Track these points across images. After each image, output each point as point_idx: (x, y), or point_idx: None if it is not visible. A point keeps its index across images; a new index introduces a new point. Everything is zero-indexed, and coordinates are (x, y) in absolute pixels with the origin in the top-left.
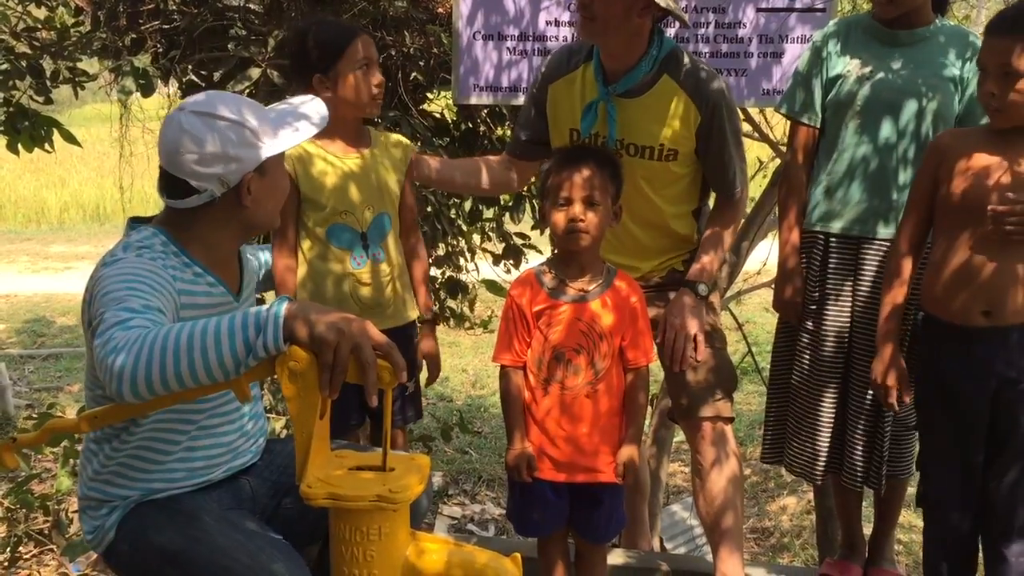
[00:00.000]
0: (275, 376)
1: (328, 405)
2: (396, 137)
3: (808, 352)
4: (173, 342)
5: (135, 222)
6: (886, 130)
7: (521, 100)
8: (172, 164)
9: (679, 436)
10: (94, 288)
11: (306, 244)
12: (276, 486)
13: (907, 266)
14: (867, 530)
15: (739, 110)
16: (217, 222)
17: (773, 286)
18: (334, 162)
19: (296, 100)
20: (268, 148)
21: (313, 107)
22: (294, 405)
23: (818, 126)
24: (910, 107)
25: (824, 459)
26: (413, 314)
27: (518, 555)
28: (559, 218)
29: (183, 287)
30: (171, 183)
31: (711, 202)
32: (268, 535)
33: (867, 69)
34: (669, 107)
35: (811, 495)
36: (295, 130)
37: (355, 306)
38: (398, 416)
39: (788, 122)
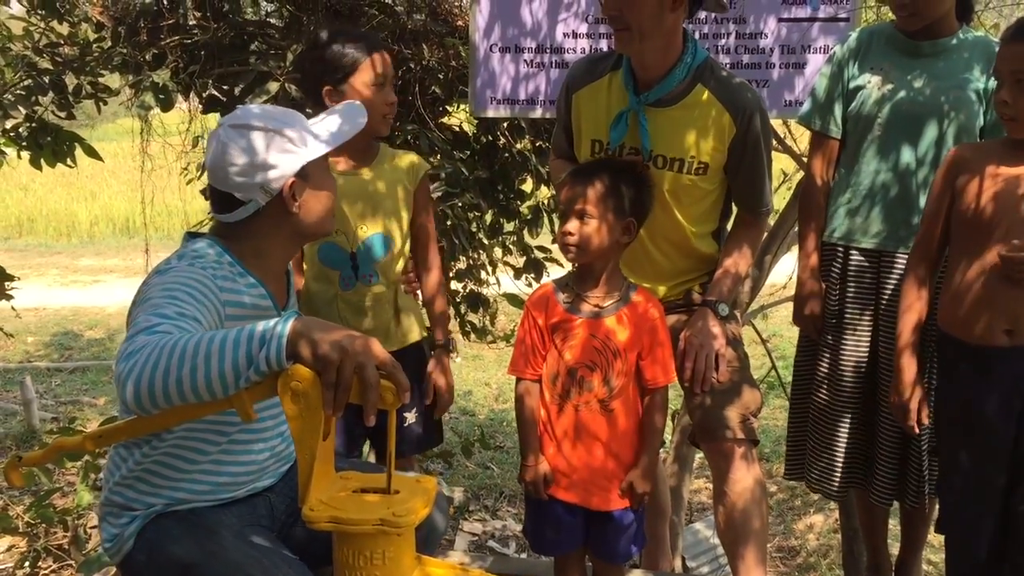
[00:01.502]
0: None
1: (332, 425)
2: (406, 155)
3: (828, 367)
4: (181, 348)
5: (191, 236)
6: (908, 152)
7: (539, 113)
8: (216, 179)
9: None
10: (139, 294)
11: (304, 261)
12: (294, 504)
13: (924, 285)
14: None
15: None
16: (267, 232)
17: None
18: None
19: (339, 106)
20: (308, 152)
21: (355, 109)
22: (296, 425)
23: (839, 138)
24: (932, 125)
25: (843, 474)
26: (408, 341)
27: None
28: (559, 233)
29: (230, 298)
30: (219, 198)
31: (729, 224)
32: (284, 554)
33: (888, 87)
34: (703, 118)
35: (838, 513)
36: (336, 132)
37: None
38: (399, 447)
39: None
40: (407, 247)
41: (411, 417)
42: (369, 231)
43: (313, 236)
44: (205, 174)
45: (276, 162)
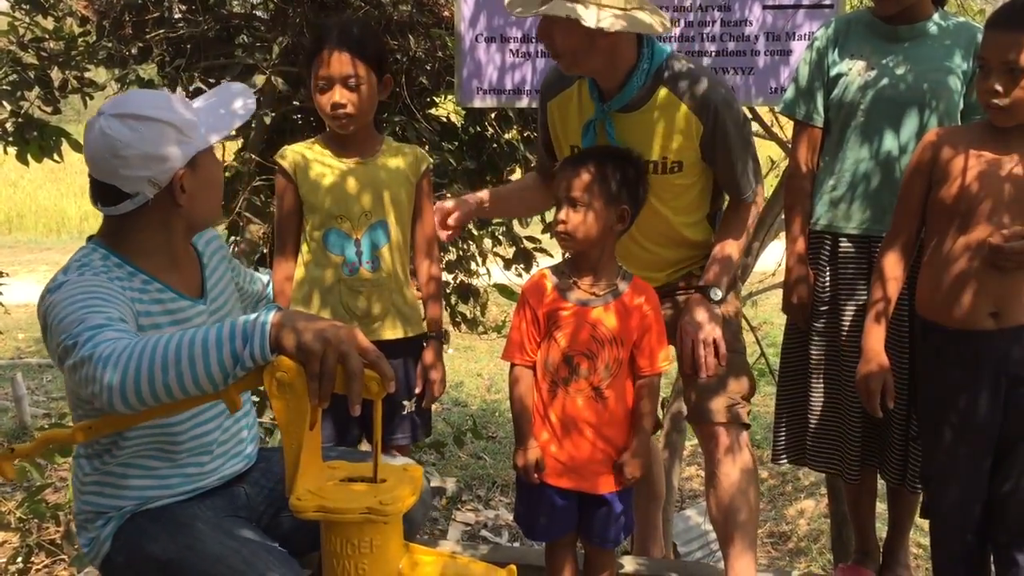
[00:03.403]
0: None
1: (318, 416)
2: (409, 147)
3: (823, 354)
4: (161, 353)
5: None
6: (891, 138)
7: (525, 102)
8: (99, 171)
9: (694, 439)
10: (47, 317)
11: (305, 248)
12: (272, 494)
13: (898, 267)
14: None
15: (747, 109)
16: (155, 225)
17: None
18: (333, 167)
19: (223, 88)
20: (197, 143)
21: (239, 96)
22: (283, 416)
23: (821, 126)
24: (915, 111)
25: (857, 456)
26: (410, 331)
27: (513, 567)
28: (554, 221)
29: (133, 295)
30: (102, 190)
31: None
32: (264, 543)
33: (871, 74)
34: (669, 119)
35: (827, 499)
36: (223, 121)
37: (345, 314)
38: (396, 434)
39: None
40: (408, 239)
41: (409, 406)
42: (373, 219)
43: (203, 226)
44: None
45: (164, 154)
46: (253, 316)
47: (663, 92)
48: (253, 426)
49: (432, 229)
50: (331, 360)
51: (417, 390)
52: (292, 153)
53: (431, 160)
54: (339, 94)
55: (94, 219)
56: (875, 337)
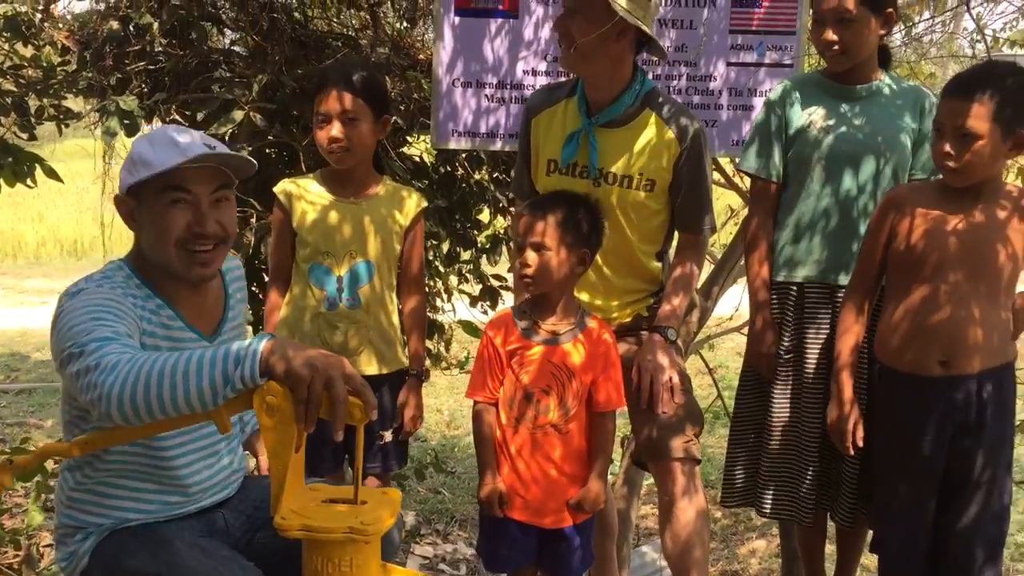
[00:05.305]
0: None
1: (304, 439)
2: (406, 190)
3: (785, 398)
4: (159, 367)
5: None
6: (848, 181)
7: (499, 145)
8: None
9: (650, 479)
10: (59, 320)
11: (295, 279)
12: (250, 520)
13: (860, 314)
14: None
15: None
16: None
17: (747, 334)
18: (324, 203)
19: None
20: (138, 175)
21: (169, 136)
22: (270, 438)
23: (777, 180)
24: (870, 160)
25: (813, 498)
26: (385, 368)
27: None
28: (515, 264)
29: (143, 314)
30: None
31: (672, 249)
32: (241, 562)
33: (830, 122)
34: (649, 138)
35: (779, 537)
36: (179, 155)
37: (322, 347)
38: (367, 464)
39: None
40: (393, 279)
41: (388, 436)
42: (357, 258)
43: (156, 262)
44: None
45: (122, 182)
46: (247, 342)
47: (649, 114)
48: (241, 461)
49: (419, 268)
50: (318, 386)
51: (396, 425)
52: (287, 185)
53: (426, 204)
54: (336, 129)
55: (51, 245)
56: (845, 382)
